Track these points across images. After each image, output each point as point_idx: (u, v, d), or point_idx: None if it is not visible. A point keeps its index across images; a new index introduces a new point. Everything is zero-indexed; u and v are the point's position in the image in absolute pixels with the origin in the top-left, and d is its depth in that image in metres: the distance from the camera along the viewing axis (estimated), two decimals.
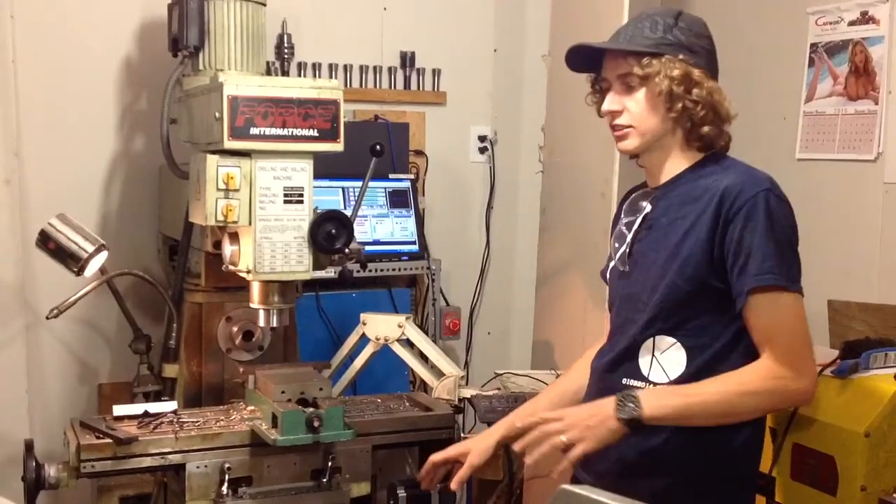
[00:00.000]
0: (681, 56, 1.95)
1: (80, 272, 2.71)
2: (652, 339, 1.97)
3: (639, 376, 1.99)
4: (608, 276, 2.16)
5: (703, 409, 1.88)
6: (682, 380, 1.94)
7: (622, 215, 2.12)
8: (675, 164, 2.02)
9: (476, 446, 2.16)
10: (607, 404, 1.87)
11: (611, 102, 2.01)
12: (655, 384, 1.96)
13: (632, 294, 2.03)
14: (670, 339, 1.95)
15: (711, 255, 1.90)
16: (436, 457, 2.19)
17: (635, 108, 1.98)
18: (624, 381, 2.00)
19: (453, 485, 2.13)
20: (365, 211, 3.39)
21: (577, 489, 1.50)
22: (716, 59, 2.03)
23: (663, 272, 1.95)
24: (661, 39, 1.96)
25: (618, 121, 2.01)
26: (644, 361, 1.98)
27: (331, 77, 3.59)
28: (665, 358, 1.96)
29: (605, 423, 1.86)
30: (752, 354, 1.92)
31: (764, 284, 1.86)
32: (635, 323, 1.99)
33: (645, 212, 2.04)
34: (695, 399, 1.88)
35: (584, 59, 2.08)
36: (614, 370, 2.03)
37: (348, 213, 2.38)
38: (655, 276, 1.96)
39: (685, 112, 1.96)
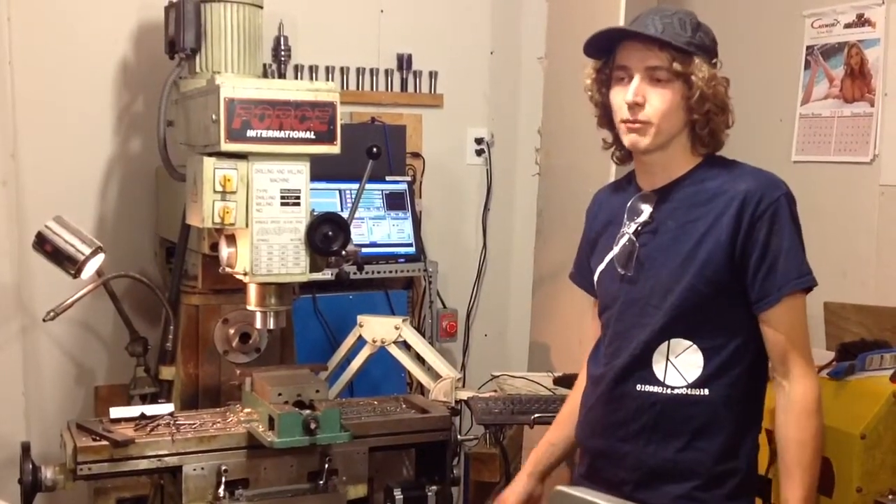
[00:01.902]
0: (713, 60, 1.96)
1: (76, 274, 2.71)
2: (667, 342, 1.95)
3: (654, 381, 1.97)
4: (597, 278, 2.11)
5: (816, 478, 1.93)
6: (700, 381, 1.94)
7: (625, 219, 2.06)
8: (677, 165, 2.00)
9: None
10: None
11: (635, 93, 1.93)
12: (672, 388, 1.95)
13: (638, 299, 1.99)
14: (686, 342, 1.94)
15: (732, 258, 1.90)
16: None
17: (659, 104, 1.92)
18: (638, 387, 1.98)
19: None
20: (362, 213, 3.39)
21: (571, 490, 1.52)
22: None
23: (678, 276, 1.93)
24: (691, 39, 1.93)
25: (639, 115, 1.94)
26: (658, 366, 1.96)
27: (327, 79, 3.60)
28: (681, 361, 1.95)
29: None
30: (766, 350, 1.95)
31: (804, 287, 1.90)
32: (645, 327, 1.97)
33: (646, 215, 2.01)
34: (812, 480, 1.91)
35: (599, 44, 2.01)
36: (627, 378, 1.99)
37: (345, 215, 2.38)
38: (669, 280, 1.95)
39: (706, 116, 1.94)
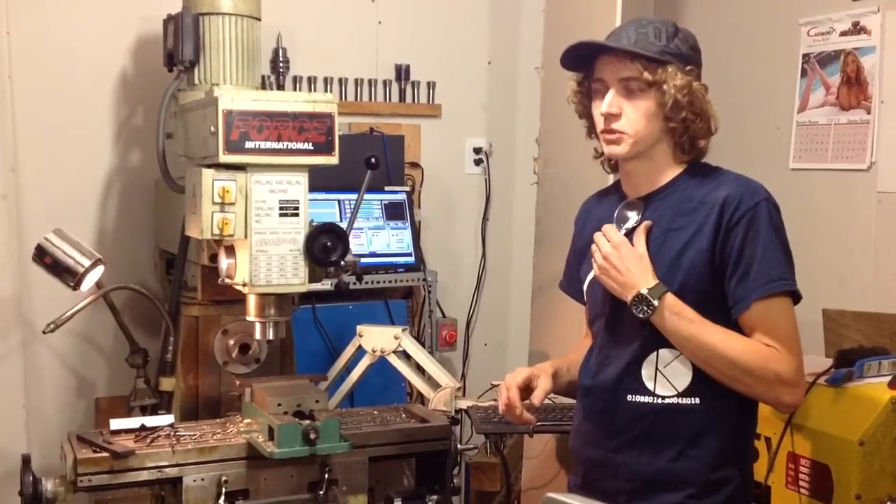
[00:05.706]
0: (688, 67, 1.95)
1: (76, 286, 2.71)
2: (655, 352, 1.96)
3: (644, 391, 1.97)
4: (586, 287, 2.12)
5: (701, 351, 1.90)
6: (690, 390, 1.94)
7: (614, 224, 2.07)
8: (661, 173, 2.02)
9: (542, 372, 2.15)
10: (637, 283, 1.91)
11: (610, 105, 1.95)
12: (663, 397, 1.95)
13: (625, 307, 1.99)
14: (675, 351, 1.94)
15: (713, 265, 1.91)
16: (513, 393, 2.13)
17: (634, 114, 1.94)
18: (629, 398, 1.98)
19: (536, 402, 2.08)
20: (361, 223, 3.40)
21: (562, 497, 1.52)
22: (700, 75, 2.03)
23: (664, 284, 1.93)
24: (665, 48, 1.94)
25: (614, 125, 1.96)
26: (647, 375, 1.96)
27: (326, 90, 3.61)
28: (670, 370, 1.95)
29: (623, 290, 1.94)
30: None
31: (775, 292, 1.88)
32: (634, 338, 1.98)
33: (632, 221, 2.02)
34: (701, 339, 1.89)
35: (577, 57, 2.03)
36: (617, 389, 1.99)
37: (344, 225, 2.39)
38: None
39: (683, 123, 1.95)
